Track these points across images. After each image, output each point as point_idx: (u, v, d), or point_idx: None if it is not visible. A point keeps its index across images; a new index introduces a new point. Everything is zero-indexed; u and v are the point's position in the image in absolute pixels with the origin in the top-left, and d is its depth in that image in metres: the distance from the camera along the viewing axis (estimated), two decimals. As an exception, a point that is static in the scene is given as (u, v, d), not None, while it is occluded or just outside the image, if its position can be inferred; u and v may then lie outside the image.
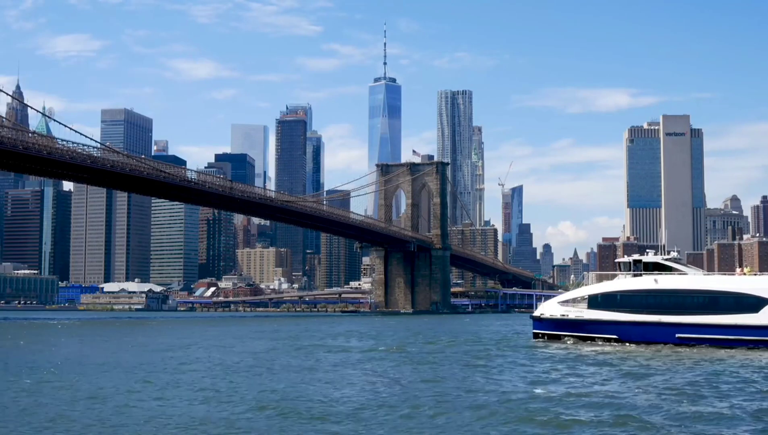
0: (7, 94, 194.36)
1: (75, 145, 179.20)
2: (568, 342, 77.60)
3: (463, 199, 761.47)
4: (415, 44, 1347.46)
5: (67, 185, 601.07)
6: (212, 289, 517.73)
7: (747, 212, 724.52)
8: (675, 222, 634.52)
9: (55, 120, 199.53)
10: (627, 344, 74.28)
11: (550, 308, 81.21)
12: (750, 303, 69.63)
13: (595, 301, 76.67)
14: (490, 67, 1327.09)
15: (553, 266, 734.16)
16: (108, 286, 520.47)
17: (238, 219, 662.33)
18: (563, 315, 79.03)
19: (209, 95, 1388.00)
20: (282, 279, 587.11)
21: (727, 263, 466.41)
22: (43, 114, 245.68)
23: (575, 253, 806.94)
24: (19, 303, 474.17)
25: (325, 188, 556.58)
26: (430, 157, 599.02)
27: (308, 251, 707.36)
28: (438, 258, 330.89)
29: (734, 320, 69.92)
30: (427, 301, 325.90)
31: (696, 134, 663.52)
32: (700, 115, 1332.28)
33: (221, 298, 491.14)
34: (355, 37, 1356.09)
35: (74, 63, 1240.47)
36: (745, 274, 76.86)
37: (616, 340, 75.03)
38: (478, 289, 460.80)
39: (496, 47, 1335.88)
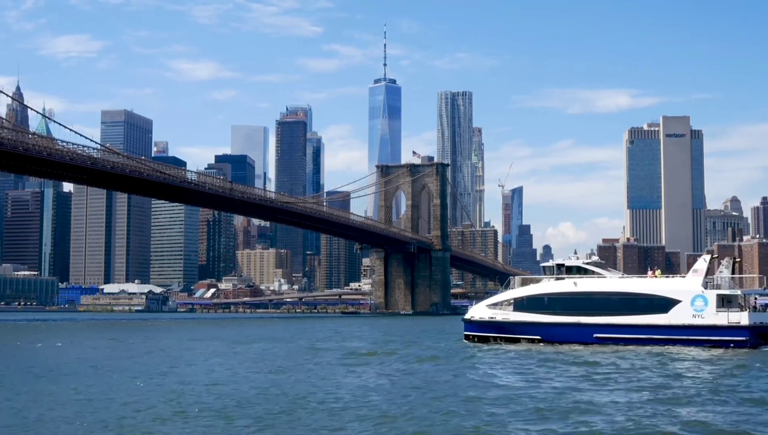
0: (7, 95, 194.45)
1: (75, 146, 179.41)
2: (483, 346, 79.24)
3: (463, 200, 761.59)
4: (416, 45, 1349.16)
5: (67, 186, 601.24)
6: (212, 290, 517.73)
7: (747, 213, 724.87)
8: (675, 223, 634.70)
9: (55, 121, 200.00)
10: (539, 344, 77.31)
11: (479, 311, 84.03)
12: (660, 304, 73.13)
13: (519, 304, 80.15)
14: (491, 68, 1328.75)
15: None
16: (108, 288, 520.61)
17: (238, 220, 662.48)
18: (491, 317, 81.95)
19: (209, 96, 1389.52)
20: (282, 280, 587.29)
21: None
22: (43, 115, 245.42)
23: (575, 254, 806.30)
24: (19, 304, 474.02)
25: (325, 189, 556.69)
26: (430, 158, 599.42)
27: (308, 252, 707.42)
28: (438, 259, 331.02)
29: (646, 320, 73.50)
30: (427, 302, 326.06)
31: (696, 135, 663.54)
32: (700, 116, 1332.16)
33: (221, 300, 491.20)
34: (356, 37, 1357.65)
35: (74, 64, 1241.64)
36: (656, 276, 79.88)
37: (539, 341, 77.96)
38: (479, 290, 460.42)
39: (496, 48, 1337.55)
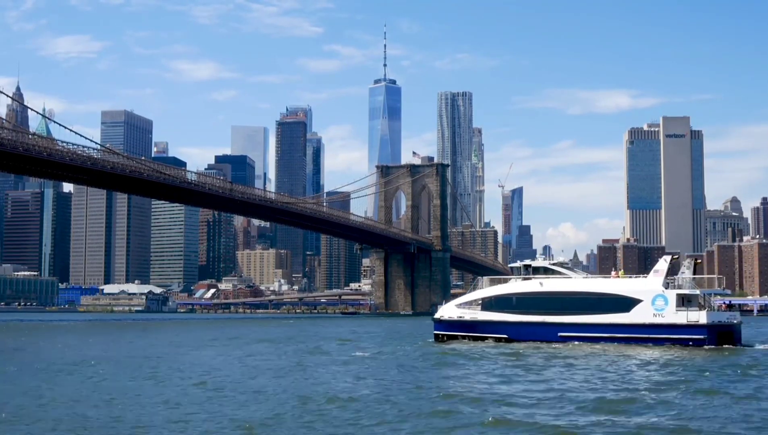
0: (7, 95, 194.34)
1: (75, 146, 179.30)
2: (446, 343, 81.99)
3: (463, 201, 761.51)
4: (416, 45, 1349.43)
5: (67, 187, 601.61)
6: (212, 290, 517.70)
7: (747, 214, 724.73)
8: (675, 223, 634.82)
9: (55, 121, 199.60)
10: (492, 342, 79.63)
11: (448, 311, 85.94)
12: (622, 303, 74.67)
13: (487, 304, 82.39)
14: (491, 69, 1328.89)
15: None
16: (108, 288, 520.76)
17: (238, 220, 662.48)
18: (459, 317, 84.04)
19: (210, 96, 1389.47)
20: (282, 280, 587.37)
21: (727, 265, 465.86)
22: (43, 115, 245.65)
23: (575, 254, 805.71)
24: (19, 304, 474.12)
25: (325, 190, 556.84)
26: (430, 158, 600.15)
27: (308, 253, 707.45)
28: (438, 259, 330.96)
29: (609, 319, 75.07)
30: (427, 303, 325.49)
31: (696, 136, 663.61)
32: (700, 117, 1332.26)
33: (221, 300, 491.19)
34: (356, 38, 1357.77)
35: (75, 64, 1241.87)
36: (619, 276, 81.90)
37: (506, 340, 79.73)
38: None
39: (496, 48, 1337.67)
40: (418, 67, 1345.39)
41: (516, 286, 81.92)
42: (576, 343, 75.33)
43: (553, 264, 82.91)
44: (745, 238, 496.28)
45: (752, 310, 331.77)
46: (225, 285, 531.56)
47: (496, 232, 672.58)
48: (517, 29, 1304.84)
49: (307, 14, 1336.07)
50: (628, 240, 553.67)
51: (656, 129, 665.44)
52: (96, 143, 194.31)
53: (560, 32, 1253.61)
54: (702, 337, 71.54)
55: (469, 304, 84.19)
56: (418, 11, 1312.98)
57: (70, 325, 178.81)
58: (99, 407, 36.90)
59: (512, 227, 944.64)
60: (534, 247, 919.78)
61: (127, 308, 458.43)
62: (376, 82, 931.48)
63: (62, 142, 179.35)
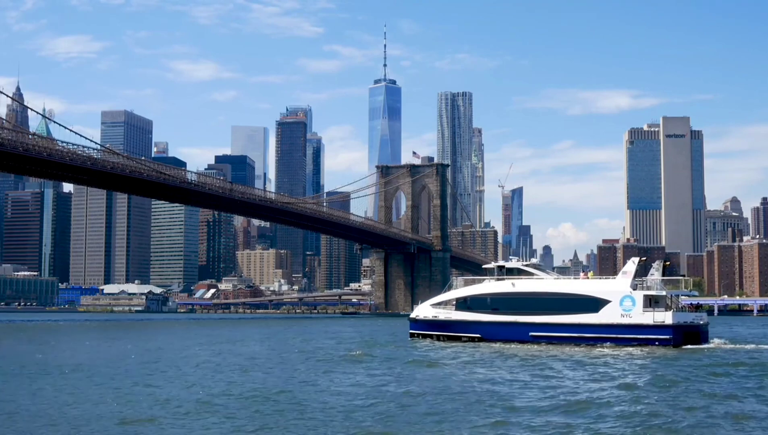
0: (7, 95, 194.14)
1: (75, 146, 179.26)
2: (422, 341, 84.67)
3: (463, 201, 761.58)
4: (416, 46, 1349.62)
5: (67, 187, 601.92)
6: (212, 290, 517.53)
7: (747, 214, 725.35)
8: (675, 224, 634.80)
9: (55, 121, 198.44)
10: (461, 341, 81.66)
11: (423, 310, 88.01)
12: (591, 304, 76.12)
13: (461, 304, 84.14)
14: (491, 69, 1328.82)
15: (553, 268, 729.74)
16: (108, 288, 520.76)
17: (238, 221, 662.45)
18: (434, 317, 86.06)
19: (210, 97, 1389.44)
20: (282, 281, 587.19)
21: (727, 265, 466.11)
22: (43, 115, 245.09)
23: (575, 254, 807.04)
24: (18, 304, 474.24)
25: (325, 190, 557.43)
26: (430, 158, 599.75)
27: (308, 253, 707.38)
28: (438, 260, 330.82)
29: (578, 319, 76.55)
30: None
31: (696, 136, 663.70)
32: (700, 117, 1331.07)
33: (221, 300, 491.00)
34: (357, 38, 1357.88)
35: (75, 64, 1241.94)
36: (588, 277, 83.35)
37: (479, 339, 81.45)
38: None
39: (497, 49, 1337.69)
40: (418, 68, 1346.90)
41: (489, 286, 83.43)
42: (544, 342, 77.03)
43: (526, 265, 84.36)
44: (745, 239, 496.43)
45: (752, 310, 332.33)
46: (225, 285, 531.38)
47: (496, 233, 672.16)
48: (517, 29, 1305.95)
49: (307, 14, 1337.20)
50: (628, 240, 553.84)
51: (656, 129, 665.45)
52: (96, 143, 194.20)
53: (560, 32, 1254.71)
54: (668, 337, 73.05)
55: (443, 304, 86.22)
56: (418, 11, 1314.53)
57: (64, 326, 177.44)
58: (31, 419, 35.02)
59: (512, 227, 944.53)
60: (534, 248, 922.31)
61: (127, 308, 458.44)
62: (376, 82, 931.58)
63: (62, 142, 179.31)
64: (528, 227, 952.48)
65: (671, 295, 76.51)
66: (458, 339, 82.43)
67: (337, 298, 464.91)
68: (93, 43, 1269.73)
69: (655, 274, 76.81)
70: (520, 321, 79.35)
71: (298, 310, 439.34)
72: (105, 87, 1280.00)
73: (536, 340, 77.77)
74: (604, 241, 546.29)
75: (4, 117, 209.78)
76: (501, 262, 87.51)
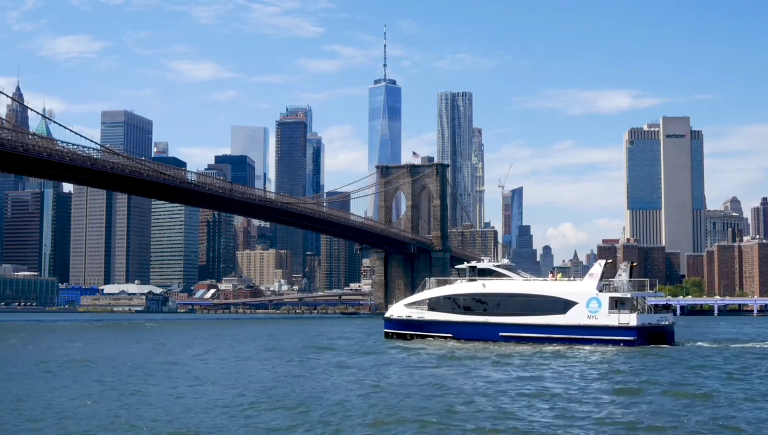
0: (7, 95, 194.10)
1: (75, 146, 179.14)
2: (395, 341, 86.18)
3: (463, 201, 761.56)
4: (416, 46, 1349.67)
5: (67, 187, 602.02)
6: (212, 290, 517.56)
7: (747, 214, 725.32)
8: (675, 224, 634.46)
9: (55, 122, 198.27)
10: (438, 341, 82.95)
11: (398, 310, 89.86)
12: (559, 305, 77.58)
13: (433, 304, 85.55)
14: (491, 69, 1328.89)
15: (553, 268, 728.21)
16: (108, 288, 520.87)
17: (238, 221, 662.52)
18: (408, 316, 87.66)
19: (210, 97, 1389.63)
20: (282, 281, 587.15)
21: (727, 265, 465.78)
22: (43, 116, 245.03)
23: (575, 254, 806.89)
24: (18, 305, 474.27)
25: (325, 190, 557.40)
26: (430, 158, 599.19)
27: (308, 253, 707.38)
28: (438, 260, 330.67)
29: (546, 320, 78.07)
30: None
31: (696, 136, 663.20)
32: (700, 117, 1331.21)
33: (221, 300, 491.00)
34: (357, 38, 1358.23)
35: (75, 64, 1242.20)
36: (556, 279, 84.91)
37: (451, 338, 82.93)
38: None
39: (496, 49, 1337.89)
40: (418, 68, 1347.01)
41: (461, 287, 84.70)
42: (513, 342, 78.52)
43: (497, 266, 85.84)
44: (745, 239, 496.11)
45: (752, 311, 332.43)
46: (225, 285, 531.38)
47: (496, 233, 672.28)
48: (517, 29, 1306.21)
49: (307, 14, 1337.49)
50: (628, 240, 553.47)
51: (656, 129, 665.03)
52: (96, 143, 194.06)
53: (560, 32, 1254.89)
54: (632, 338, 74.62)
55: (417, 304, 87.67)
56: (418, 11, 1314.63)
57: (58, 326, 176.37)
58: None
59: (512, 227, 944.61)
60: (534, 248, 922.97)
61: (127, 308, 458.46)
62: (376, 82, 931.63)
63: (62, 142, 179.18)
64: (528, 227, 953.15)
65: (637, 297, 77.88)
66: (432, 338, 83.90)
67: (337, 298, 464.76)
68: (93, 43, 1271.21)
69: (623, 276, 78.25)
70: (491, 321, 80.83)
71: (298, 311, 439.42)
72: (105, 87, 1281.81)
73: (506, 340, 79.26)
74: (604, 241, 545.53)
75: (4, 117, 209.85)
76: (473, 263, 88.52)
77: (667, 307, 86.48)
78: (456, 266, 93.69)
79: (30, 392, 42.11)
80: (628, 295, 76.39)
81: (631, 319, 74.73)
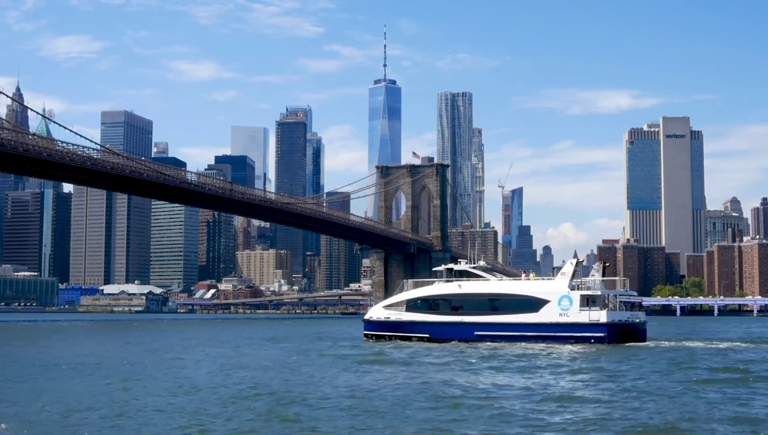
0: (7, 95, 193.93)
1: (75, 147, 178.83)
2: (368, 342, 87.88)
3: (463, 201, 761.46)
4: (416, 46, 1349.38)
5: (67, 187, 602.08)
6: (212, 291, 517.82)
7: (747, 214, 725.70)
8: (675, 224, 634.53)
9: (55, 122, 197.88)
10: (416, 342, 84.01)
11: (376, 312, 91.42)
12: (532, 304, 79.58)
13: (411, 305, 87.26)
14: (492, 69, 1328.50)
15: (553, 268, 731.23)
16: (108, 288, 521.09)
17: (238, 221, 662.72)
18: (386, 318, 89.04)
19: (210, 97, 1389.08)
20: (282, 281, 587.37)
21: (727, 265, 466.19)
22: (43, 116, 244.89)
23: (575, 254, 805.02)
24: (18, 305, 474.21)
25: (325, 190, 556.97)
26: (430, 159, 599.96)
27: (308, 253, 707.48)
28: (438, 260, 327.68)
29: (520, 319, 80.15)
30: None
31: (696, 136, 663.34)
32: (700, 117, 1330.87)
33: (221, 300, 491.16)
34: (357, 38, 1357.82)
35: (75, 64, 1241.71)
36: (530, 279, 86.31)
37: (428, 339, 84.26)
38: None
39: (496, 49, 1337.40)
40: (418, 68, 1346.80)
41: (437, 288, 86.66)
42: (489, 341, 79.94)
43: (473, 267, 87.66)
44: (745, 239, 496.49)
45: (752, 311, 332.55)
46: (225, 285, 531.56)
47: (496, 233, 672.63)
48: (517, 29, 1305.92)
49: (307, 14, 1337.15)
50: (628, 240, 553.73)
51: (656, 129, 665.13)
52: (96, 143, 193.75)
53: (560, 32, 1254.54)
54: (602, 335, 76.44)
55: (395, 305, 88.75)
56: (418, 11, 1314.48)
57: (55, 326, 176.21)
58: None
59: (512, 227, 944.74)
60: (534, 248, 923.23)
61: (127, 309, 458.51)
62: (376, 82, 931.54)
63: (62, 142, 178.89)
64: (528, 227, 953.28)
65: (608, 295, 79.30)
66: (409, 339, 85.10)
67: (337, 298, 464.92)
68: (93, 43, 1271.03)
69: (596, 275, 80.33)
70: (466, 321, 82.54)
71: (298, 311, 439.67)
72: (105, 87, 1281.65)
73: (481, 339, 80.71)
74: (604, 241, 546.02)
75: (4, 117, 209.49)
76: (450, 265, 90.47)
77: (639, 306, 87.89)
78: (434, 268, 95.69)
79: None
80: (599, 293, 77.81)
81: (601, 316, 76.33)
